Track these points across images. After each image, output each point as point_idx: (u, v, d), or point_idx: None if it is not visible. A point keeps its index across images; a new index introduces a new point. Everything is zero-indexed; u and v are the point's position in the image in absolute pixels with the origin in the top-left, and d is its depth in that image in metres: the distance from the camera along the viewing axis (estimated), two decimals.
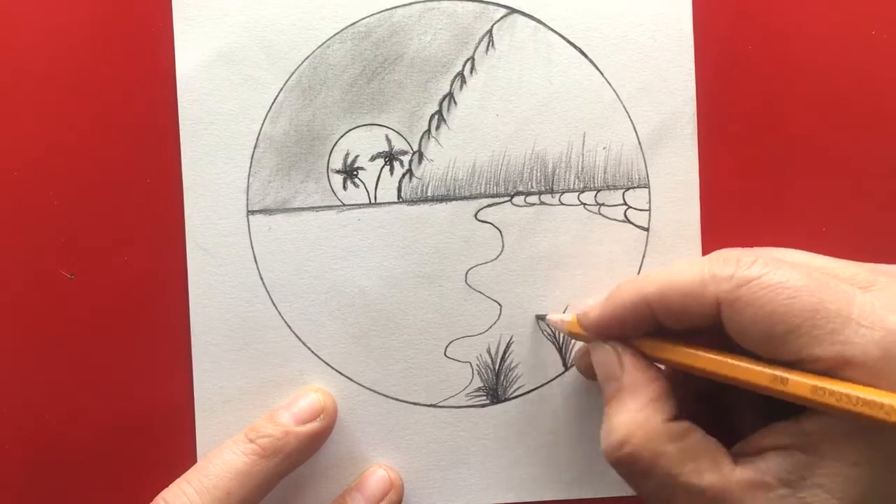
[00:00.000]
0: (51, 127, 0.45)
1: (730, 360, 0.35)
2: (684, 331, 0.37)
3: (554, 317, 0.43)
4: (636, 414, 0.37)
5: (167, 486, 0.41)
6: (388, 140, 0.46)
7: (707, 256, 0.40)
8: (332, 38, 0.45)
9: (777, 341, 0.34)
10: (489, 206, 0.45)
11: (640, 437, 0.36)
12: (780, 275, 0.34)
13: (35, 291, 0.46)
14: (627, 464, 0.36)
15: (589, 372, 0.42)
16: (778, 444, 0.35)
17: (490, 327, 0.46)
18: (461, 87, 0.45)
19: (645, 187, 0.45)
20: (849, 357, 0.33)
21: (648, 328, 0.38)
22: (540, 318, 0.45)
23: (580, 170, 0.45)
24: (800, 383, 0.33)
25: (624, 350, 0.39)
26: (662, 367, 0.39)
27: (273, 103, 0.45)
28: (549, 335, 0.46)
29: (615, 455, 0.37)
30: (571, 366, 0.46)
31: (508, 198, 0.45)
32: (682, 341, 0.37)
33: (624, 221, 0.45)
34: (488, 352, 0.46)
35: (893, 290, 0.35)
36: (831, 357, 0.33)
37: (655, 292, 0.37)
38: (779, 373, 0.34)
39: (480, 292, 0.46)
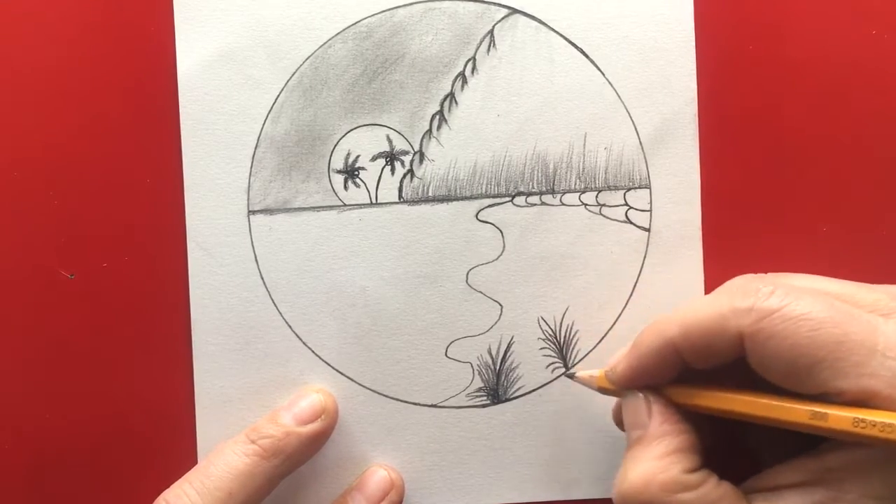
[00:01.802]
0: (51, 127, 0.45)
1: (765, 401, 0.35)
2: (712, 370, 0.37)
3: (583, 374, 0.42)
4: (655, 462, 0.36)
5: (168, 486, 0.41)
6: (390, 140, 0.46)
7: (724, 288, 0.39)
8: (333, 38, 0.45)
9: (801, 374, 0.34)
10: (490, 206, 0.45)
11: (655, 486, 0.36)
12: (803, 306, 0.34)
13: (35, 291, 0.46)
14: None
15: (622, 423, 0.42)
16: (798, 482, 0.34)
17: (491, 328, 0.46)
18: (462, 87, 0.45)
19: (646, 188, 0.45)
20: (875, 390, 0.33)
21: (675, 372, 0.38)
22: (569, 376, 0.44)
23: (581, 170, 0.45)
24: (840, 417, 0.33)
25: (655, 399, 0.38)
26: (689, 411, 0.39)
27: (274, 103, 0.45)
28: (549, 335, 0.46)
29: (627, 503, 0.36)
30: (572, 366, 0.46)
31: (509, 198, 0.45)
32: (713, 385, 0.37)
33: (625, 222, 0.45)
34: (489, 352, 0.46)
35: None
36: (857, 390, 0.33)
37: (678, 334, 0.36)
38: (817, 409, 0.34)
39: (481, 292, 0.46)
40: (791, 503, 0.34)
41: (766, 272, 0.43)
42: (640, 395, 0.39)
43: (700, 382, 0.38)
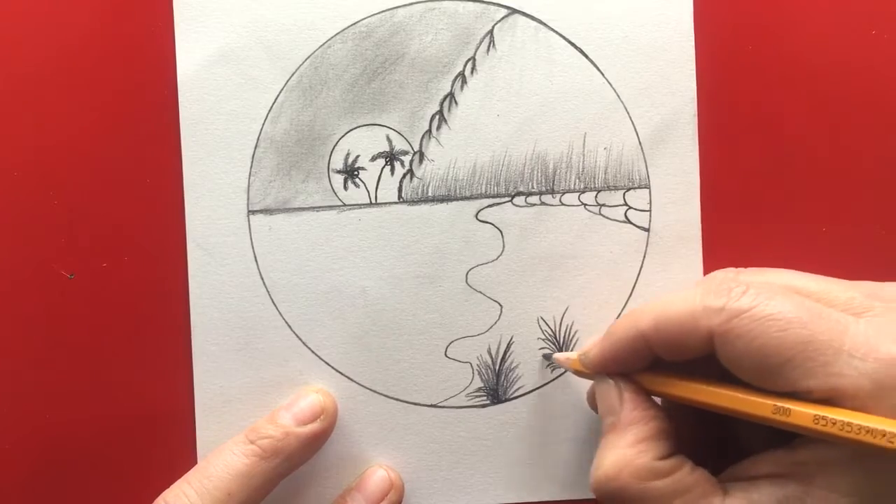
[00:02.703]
0: (51, 127, 0.45)
1: (730, 393, 0.36)
2: (683, 362, 0.37)
3: (559, 356, 0.43)
4: (627, 450, 0.37)
5: (168, 486, 0.41)
6: (389, 140, 0.46)
7: (701, 283, 0.40)
8: (333, 37, 0.45)
9: (770, 373, 0.34)
10: (490, 206, 0.45)
11: (627, 473, 0.36)
12: (772, 306, 0.34)
13: (35, 291, 0.46)
14: (614, 499, 0.37)
15: (595, 406, 0.42)
16: (771, 473, 0.35)
17: (490, 328, 0.46)
18: (462, 87, 0.45)
19: (645, 188, 0.45)
20: (840, 389, 0.33)
21: (647, 362, 0.38)
22: (546, 357, 0.45)
23: (581, 170, 0.45)
24: (802, 413, 0.33)
25: (626, 386, 0.39)
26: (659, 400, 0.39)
27: (274, 103, 0.45)
28: (549, 335, 0.46)
29: (602, 490, 0.37)
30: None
31: (509, 198, 0.45)
32: (683, 375, 0.38)
33: (624, 222, 0.45)
34: (489, 352, 0.46)
35: (889, 316, 0.35)
36: (824, 389, 0.33)
37: (650, 327, 0.37)
38: (780, 403, 0.34)
39: (481, 292, 0.46)
40: (764, 493, 0.34)
41: None
42: (611, 381, 0.39)
43: (674, 370, 0.38)
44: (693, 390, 0.37)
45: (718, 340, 0.35)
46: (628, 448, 0.37)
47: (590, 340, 0.40)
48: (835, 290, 0.37)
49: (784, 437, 0.35)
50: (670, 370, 0.38)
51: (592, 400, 0.43)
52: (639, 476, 0.36)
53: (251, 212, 0.45)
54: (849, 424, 0.32)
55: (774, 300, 0.35)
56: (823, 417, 0.33)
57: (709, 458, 0.37)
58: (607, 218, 0.45)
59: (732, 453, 0.38)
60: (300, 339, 0.46)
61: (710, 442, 0.40)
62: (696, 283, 0.41)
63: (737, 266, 0.43)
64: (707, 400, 0.36)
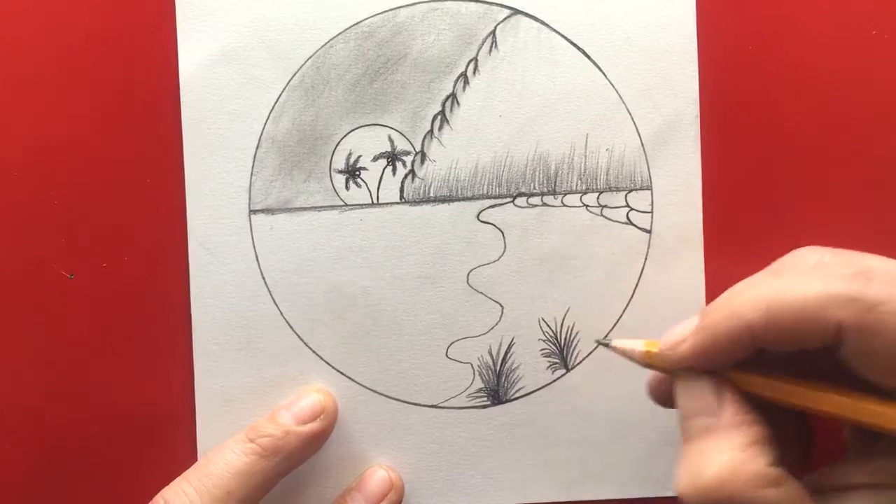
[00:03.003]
0: (52, 126, 0.45)
1: (861, 404, 0.33)
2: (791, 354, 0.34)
3: (623, 344, 0.39)
4: (738, 453, 0.33)
5: (167, 485, 0.41)
6: (391, 140, 0.46)
7: (798, 262, 0.35)
8: (335, 37, 0.45)
9: None
10: (491, 206, 0.45)
11: (742, 478, 0.32)
12: None
13: (35, 291, 0.46)
14: None
15: (664, 399, 0.39)
16: (870, 482, 0.33)
17: (491, 328, 0.46)
18: (464, 87, 0.45)
19: (647, 189, 0.45)
20: None
21: (744, 357, 0.35)
22: (604, 344, 0.40)
23: (583, 171, 0.45)
24: None
25: (724, 386, 0.35)
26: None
27: (276, 103, 0.45)
28: (550, 336, 0.46)
29: (708, 496, 0.33)
30: (572, 367, 0.45)
31: (511, 199, 0.45)
32: (790, 378, 0.35)
33: (626, 223, 0.45)
34: (489, 353, 0.46)
35: None
36: None
37: (760, 318, 0.33)
38: None
39: (482, 293, 0.46)
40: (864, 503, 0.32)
41: None
42: (708, 379, 0.35)
43: (764, 369, 0.35)
44: (813, 398, 0.34)
45: (851, 334, 0.32)
46: (740, 451, 0.33)
47: (675, 331, 0.36)
48: None
49: (868, 438, 0.33)
50: (761, 369, 0.35)
51: (658, 392, 0.40)
52: (755, 482, 0.32)
53: (253, 211, 0.45)
54: None
55: None
56: None
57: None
58: (609, 219, 0.45)
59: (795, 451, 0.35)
60: (301, 338, 0.45)
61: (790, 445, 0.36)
62: (780, 264, 0.37)
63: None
64: (830, 410, 0.33)
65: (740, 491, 0.32)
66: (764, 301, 0.33)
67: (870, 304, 0.31)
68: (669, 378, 0.37)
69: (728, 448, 0.33)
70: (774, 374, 0.35)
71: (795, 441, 0.38)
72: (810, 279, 0.33)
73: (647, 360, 0.38)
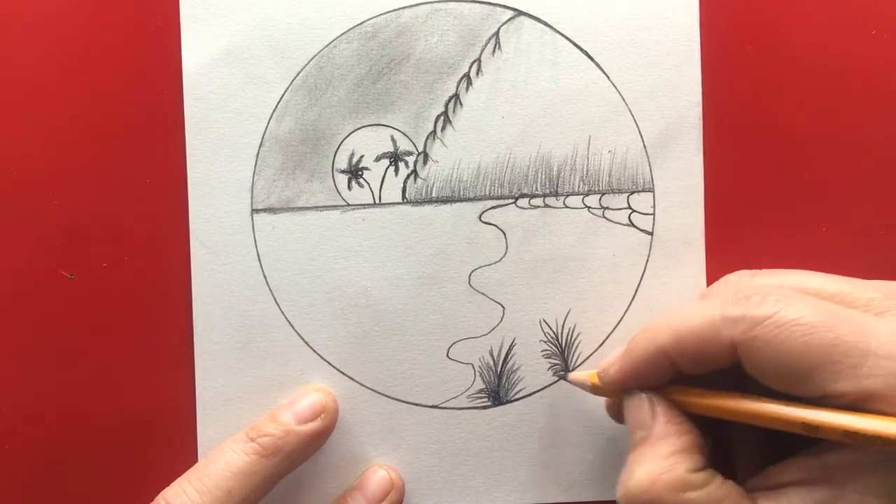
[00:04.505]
0: (53, 125, 0.45)
1: (760, 407, 0.35)
2: (706, 373, 0.37)
3: (576, 375, 0.42)
4: (660, 462, 0.36)
5: (168, 485, 0.41)
6: (394, 140, 0.46)
7: (714, 290, 0.40)
8: (338, 37, 0.45)
9: (797, 379, 0.34)
10: (493, 207, 0.45)
11: (660, 485, 0.35)
12: (794, 311, 0.34)
13: (35, 291, 0.45)
14: None
15: (619, 417, 0.42)
16: (799, 479, 0.35)
17: (493, 329, 0.46)
18: (467, 88, 0.45)
19: (649, 191, 0.45)
20: (871, 390, 0.33)
21: (669, 377, 0.38)
22: (561, 377, 0.45)
23: (585, 173, 0.45)
24: (832, 428, 0.33)
25: (658, 400, 0.38)
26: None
27: (279, 102, 0.45)
28: (551, 337, 0.46)
29: (633, 502, 0.36)
30: (573, 368, 0.46)
31: (513, 200, 0.45)
32: (709, 388, 0.37)
33: (628, 225, 0.45)
34: (490, 353, 0.46)
35: None
36: (855, 391, 0.33)
37: (670, 341, 0.37)
38: (810, 417, 0.34)
39: (483, 294, 0.46)
40: (794, 501, 0.34)
41: None
42: (644, 395, 0.38)
43: (696, 383, 0.38)
44: (721, 405, 0.37)
45: (742, 350, 0.35)
46: (661, 460, 0.36)
47: (607, 359, 0.40)
48: (853, 291, 0.37)
49: (802, 440, 0.35)
50: (694, 383, 0.38)
51: (613, 411, 0.43)
52: (673, 488, 0.35)
53: (255, 210, 0.45)
54: (878, 436, 0.32)
55: (795, 305, 0.34)
56: (854, 432, 0.33)
57: (732, 469, 0.37)
58: (611, 221, 0.45)
59: (754, 461, 0.38)
60: (302, 338, 0.45)
61: (733, 451, 0.40)
62: (709, 290, 0.41)
63: (739, 269, 0.43)
64: (737, 415, 0.36)
65: (659, 494, 0.35)
66: (673, 327, 0.37)
67: (756, 320, 0.34)
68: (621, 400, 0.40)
69: (651, 457, 0.36)
70: (714, 389, 0.38)
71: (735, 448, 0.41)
72: (709, 304, 0.36)
73: (595, 387, 0.41)
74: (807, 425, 0.34)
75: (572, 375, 0.42)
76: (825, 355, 0.33)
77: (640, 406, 0.38)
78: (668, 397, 0.38)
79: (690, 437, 0.37)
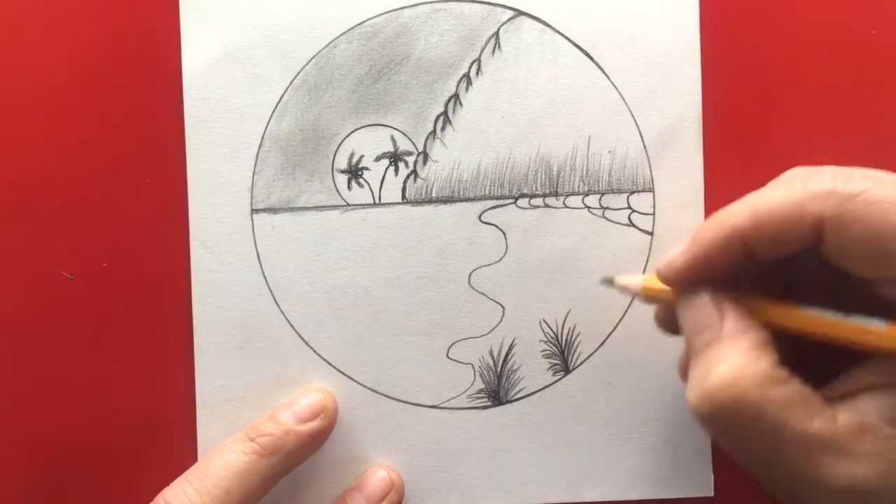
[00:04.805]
0: (53, 125, 0.45)
1: (849, 323, 0.34)
2: (772, 265, 0.35)
3: (624, 280, 0.40)
4: (742, 356, 0.33)
5: (168, 485, 0.41)
6: (394, 140, 0.46)
7: (786, 176, 0.36)
8: (338, 37, 0.45)
9: (884, 259, 0.32)
10: (493, 207, 0.45)
11: (747, 379, 0.33)
12: (885, 189, 0.32)
13: (35, 291, 0.45)
14: (729, 409, 0.33)
15: (669, 326, 0.40)
16: (875, 384, 0.33)
17: (493, 329, 0.46)
18: (467, 88, 0.45)
19: (649, 191, 0.45)
20: None
21: (738, 267, 0.36)
22: (607, 281, 0.42)
23: (585, 173, 0.45)
24: None
25: (723, 299, 0.36)
26: None
27: (279, 102, 0.45)
28: (551, 337, 0.46)
29: (715, 400, 0.33)
30: (573, 369, 0.46)
31: (513, 200, 0.45)
32: (784, 302, 0.35)
33: (628, 225, 0.45)
34: (490, 354, 0.46)
35: None
36: None
37: (747, 222, 0.34)
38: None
39: (483, 294, 0.46)
40: (871, 404, 0.33)
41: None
42: (707, 294, 0.36)
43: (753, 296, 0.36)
44: (803, 320, 0.35)
45: (830, 227, 0.33)
46: (744, 354, 0.33)
47: (668, 253, 0.37)
48: None
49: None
50: (769, 298, 0.36)
51: (664, 321, 0.41)
52: (760, 382, 0.32)
53: (255, 210, 0.45)
54: None
55: (884, 183, 0.33)
56: None
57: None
58: (611, 221, 0.45)
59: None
60: (302, 338, 0.45)
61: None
62: (778, 180, 0.37)
63: None
64: (819, 330, 0.34)
65: (745, 390, 0.33)
66: (749, 207, 0.35)
67: (846, 196, 0.32)
68: (673, 307, 0.38)
69: (731, 352, 0.34)
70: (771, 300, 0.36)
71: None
72: (788, 184, 0.34)
73: (647, 293, 0.39)
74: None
75: (620, 280, 0.41)
76: None
77: (704, 305, 0.36)
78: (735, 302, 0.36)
79: (765, 334, 0.35)
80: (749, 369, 0.33)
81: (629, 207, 0.45)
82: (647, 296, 0.39)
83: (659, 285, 0.38)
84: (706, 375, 0.34)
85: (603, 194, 0.45)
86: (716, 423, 0.34)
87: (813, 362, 0.35)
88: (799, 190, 0.34)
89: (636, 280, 0.40)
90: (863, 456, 0.32)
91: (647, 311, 0.45)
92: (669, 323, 0.40)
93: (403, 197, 0.46)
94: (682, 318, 0.37)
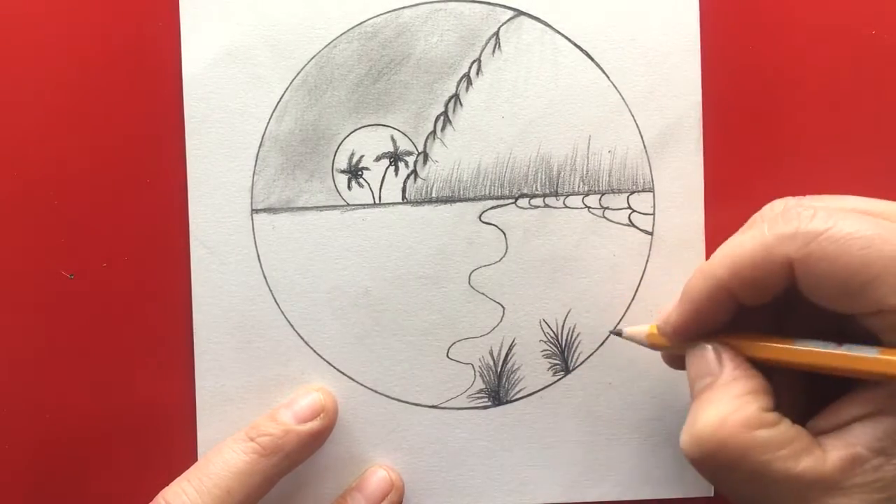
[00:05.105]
0: (54, 125, 0.45)
1: (839, 353, 0.35)
2: (760, 309, 0.36)
3: (631, 329, 0.42)
4: (731, 401, 0.35)
5: (168, 484, 0.41)
6: (394, 140, 0.46)
7: (760, 216, 0.38)
8: (338, 37, 0.45)
9: (855, 294, 0.33)
10: (493, 207, 0.45)
11: (731, 423, 0.34)
12: (848, 225, 0.33)
13: (35, 291, 0.45)
14: (714, 453, 0.34)
15: (677, 364, 0.42)
16: (863, 414, 0.34)
17: (493, 329, 0.46)
18: (467, 88, 0.45)
19: (649, 191, 0.45)
20: None
21: (730, 315, 0.37)
22: (616, 333, 0.43)
23: (585, 173, 0.45)
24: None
25: (723, 348, 0.37)
26: None
27: (279, 102, 0.45)
28: (551, 337, 0.46)
29: (702, 444, 0.35)
30: (573, 369, 0.46)
31: (513, 200, 0.45)
32: (773, 336, 0.37)
33: (628, 225, 0.45)
34: (490, 354, 0.46)
35: None
36: None
37: (726, 273, 0.35)
38: (885, 357, 0.33)
39: (484, 294, 0.46)
40: (860, 434, 0.33)
41: None
42: (708, 345, 0.38)
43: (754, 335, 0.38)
44: (792, 353, 0.36)
45: (799, 267, 0.34)
46: (732, 400, 0.35)
47: (662, 311, 0.39)
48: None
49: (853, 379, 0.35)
50: (759, 335, 0.37)
51: (672, 359, 0.42)
52: (746, 424, 0.34)
53: (255, 211, 0.45)
54: None
55: (848, 219, 0.33)
56: None
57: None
58: (611, 221, 0.45)
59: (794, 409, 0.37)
60: (302, 338, 0.45)
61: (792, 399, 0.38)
62: (752, 219, 0.40)
63: None
64: (812, 361, 0.36)
65: (730, 435, 0.34)
66: (728, 257, 0.36)
67: (810, 235, 0.33)
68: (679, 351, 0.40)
69: (720, 398, 0.35)
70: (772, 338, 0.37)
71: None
72: (758, 228, 0.35)
73: (652, 342, 0.41)
74: (891, 362, 0.33)
75: (628, 331, 0.42)
76: (884, 266, 0.32)
77: (705, 355, 0.37)
78: (735, 348, 0.38)
79: (759, 381, 0.36)
80: (735, 414, 0.34)
81: (629, 207, 0.45)
82: (654, 344, 0.41)
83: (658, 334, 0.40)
84: (695, 421, 0.35)
85: (603, 194, 0.45)
86: (705, 466, 0.35)
87: (814, 393, 0.37)
88: (765, 234, 0.35)
89: (643, 331, 0.41)
90: (854, 488, 0.33)
91: (647, 312, 0.45)
92: (677, 361, 0.42)
93: (403, 197, 0.46)
94: (687, 365, 0.39)
